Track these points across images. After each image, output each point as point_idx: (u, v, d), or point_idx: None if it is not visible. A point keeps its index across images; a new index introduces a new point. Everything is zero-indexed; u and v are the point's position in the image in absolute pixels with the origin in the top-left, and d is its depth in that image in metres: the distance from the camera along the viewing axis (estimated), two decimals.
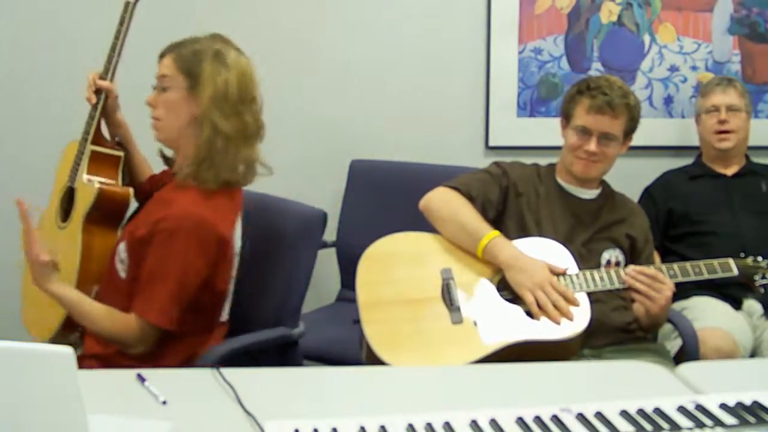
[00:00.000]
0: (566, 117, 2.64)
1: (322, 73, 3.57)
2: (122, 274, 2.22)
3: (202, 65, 2.17)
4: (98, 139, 2.41)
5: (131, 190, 2.37)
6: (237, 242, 2.28)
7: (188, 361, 2.20)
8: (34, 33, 3.44)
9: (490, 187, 2.60)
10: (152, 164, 2.51)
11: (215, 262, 2.18)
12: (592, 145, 2.54)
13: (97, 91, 2.40)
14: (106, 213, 2.31)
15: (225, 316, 2.33)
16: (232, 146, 2.18)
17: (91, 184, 2.33)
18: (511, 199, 2.62)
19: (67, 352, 1.26)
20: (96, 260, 2.29)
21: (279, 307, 2.43)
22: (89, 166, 2.36)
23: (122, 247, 2.22)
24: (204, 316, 2.25)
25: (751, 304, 3.07)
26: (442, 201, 2.57)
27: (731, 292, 3.05)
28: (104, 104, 2.40)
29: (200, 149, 2.17)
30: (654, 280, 2.41)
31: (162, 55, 2.24)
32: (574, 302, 2.31)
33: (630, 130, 2.60)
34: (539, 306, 2.29)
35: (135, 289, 2.16)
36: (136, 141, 2.50)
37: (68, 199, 2.41)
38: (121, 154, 2.41)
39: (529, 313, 2.31)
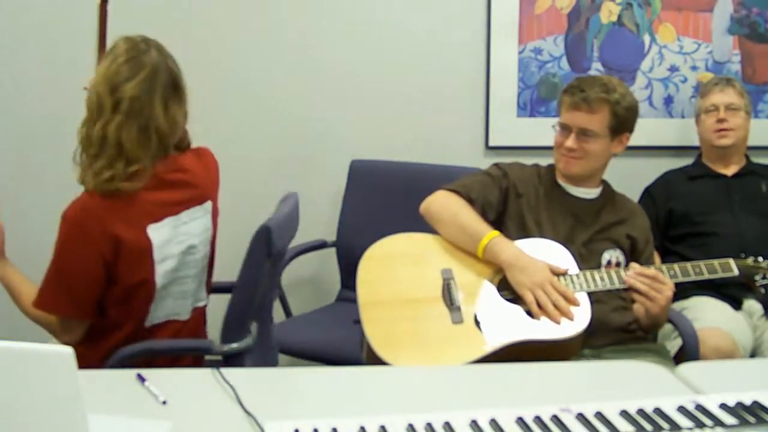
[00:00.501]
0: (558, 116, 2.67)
1: (323, 73, 3.57)
2: None
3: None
4: None
5: None
6: (157, 247, 2.22)
7: (106, 358, 2.22)
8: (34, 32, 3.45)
9: (490, 189, 2.61)
10: None
11: (108, 256, 2.16)
12: (570, 141, 2.55)
13: None
14: None
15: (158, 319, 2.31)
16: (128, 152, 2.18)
17: None
18: (511, 200, 2.62)
19: (67, 351, 1.26)
20: None
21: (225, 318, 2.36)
22: None
23: None
24: (129, 314, 2.26)
25: (752, 305, 3.07)
26: (441, 204, 2.57)
27: (731, 292, 3.05)
28: None
29: (98, 162, 2.18)
30: (654, 281, 2.41)
31: None
32: (574, 302, 2.31)
33: (617, 125, 2.56)
34: (539, 305, 2.30)
35: None
36: None
37: None
38: None
39: (530, 313, 2.31)
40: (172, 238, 2.25)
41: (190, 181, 2.32)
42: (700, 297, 3.05)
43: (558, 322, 2.27)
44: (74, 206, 2.17)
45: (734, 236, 3.11)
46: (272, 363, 2.56)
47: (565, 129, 2.58)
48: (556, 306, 2.29)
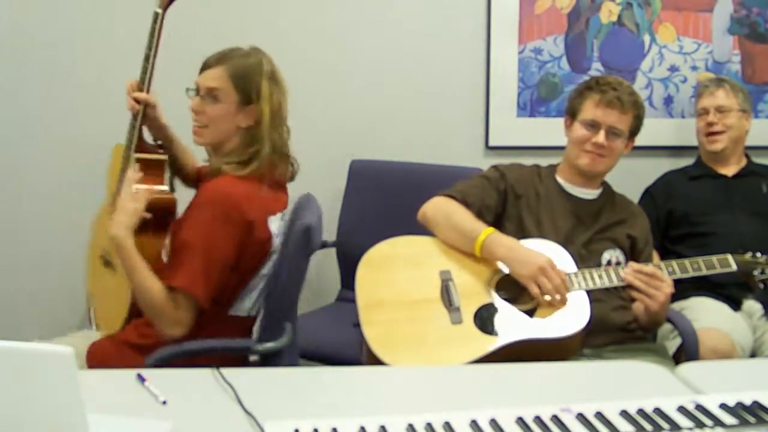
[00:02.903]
0: (572, 113, 2.66)
1: (323, 73, 3.57)
2: (164, 259, 2.33)
3: (260, 84, 2.32)
4: (141, 145, 2.45)
5: (176, 198, 2.42)
6: (274, 238, 2.33)
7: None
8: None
9: (487, 192, 2.61)
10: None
11: (241, 242, 2.23)
12: (601, 137, 2.56)
13: (137, 100, 2.43)
14: (153, 219, 2.29)
15: (243, 311, 2.37)
16: (274, 154, 2.33)
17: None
18: (509, 201, 2.62)
19: (67, 351, 1.26)
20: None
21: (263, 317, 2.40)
22: None
23: (168, 238, 2.33)
24: (217, 306, 2.29)
25: (751, 305, 3.06)
26: (436, 208, 2.59)
27: (731, 292, 3.05)
28: (144, 113, 2.43)
29: (244, 154, 2.30)
30: (653, 278, 2.41)
31: (208, 66, 2.34)
32: (567, 287, 2.35)
33: (635, 129, 2.63)
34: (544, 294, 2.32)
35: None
36: (178, 137, 2.58)
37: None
38: (164, 157, 2.45)
39: (528, 312, 2.31)
40: (279, 233, 2.35)
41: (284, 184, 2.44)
42: (699, 297, 3.05)
43: (565, 303, 2.30)
44: (216, 190, 2.24)
45: (734, 236, 3.10)
46: (296, 363, 2.55)
47: (594, 126, 2.58)
48: (559, 291, 2.32)
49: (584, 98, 2.62)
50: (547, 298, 2.31)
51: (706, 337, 2.74)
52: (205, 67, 2.35)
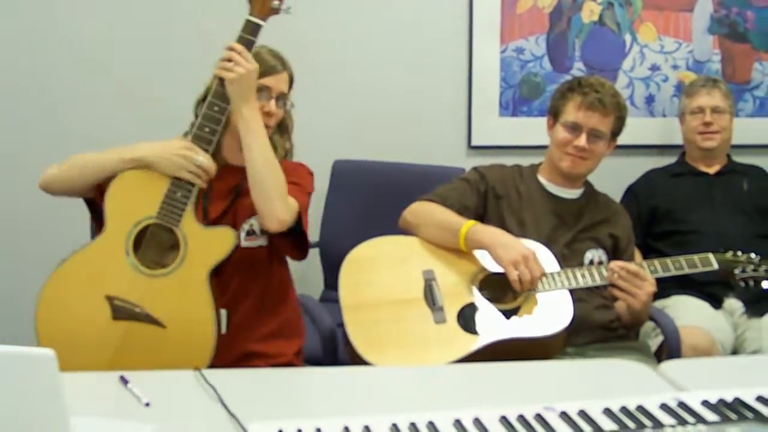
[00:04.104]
0: (554, 114, 2.66)
1: (304, 73, 3.54)
2: (260, 242, 2.34)
3: None
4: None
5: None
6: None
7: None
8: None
9: (466, 194, 2.62)
10: None
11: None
12: (582, 141, 2.56)
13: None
14: (224, 262, 2.23)
15: None
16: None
17: (224, 234, 2.22)
18: (490, 202, 2.63)
19: (49, 354, 1.25)
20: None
21: None
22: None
23: (255, 221, 2.31)
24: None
25: (732, 303, 3.08)
26: (416, 211, 2.60)
27: (712, 290, 3.07)
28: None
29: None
30: (635, 276, 2.41)
31: (276, 70, 2.37)
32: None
33: (617, 130, 2.63)
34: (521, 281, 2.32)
35: None
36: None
37: (148, 239, 2.22)
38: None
39: (512, 312, 2.31)
40: None
41: None
42: (680, 296, 3.07)
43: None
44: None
45: (716, 234, 3.12)
46: None
47: (575, 128, 2.58)
48: (534, 284, 2.33)
49: (566, 100, 2.62)
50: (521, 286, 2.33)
51: (686, 335, 2.75)
52: (274, 71, 2.36)
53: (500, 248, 2.37)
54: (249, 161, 2.23)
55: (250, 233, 2.33)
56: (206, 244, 2.20)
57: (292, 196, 2.29)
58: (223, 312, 2.22)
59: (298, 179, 2.38)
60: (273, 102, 2.34)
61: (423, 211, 2.57)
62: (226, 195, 2.32)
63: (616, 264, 2.44)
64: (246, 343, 2.31)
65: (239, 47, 2.22)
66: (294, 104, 2.45)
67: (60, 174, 2.30)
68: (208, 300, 2.17)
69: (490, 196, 2.63)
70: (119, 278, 2.17)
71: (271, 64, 2.35)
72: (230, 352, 2.25)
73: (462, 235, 2.43)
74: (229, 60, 2.21)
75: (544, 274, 2.35)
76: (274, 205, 2.22)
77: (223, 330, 2.20)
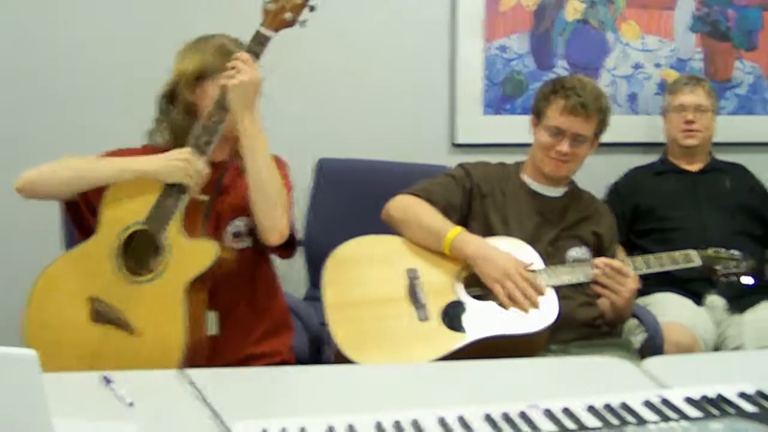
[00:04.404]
0: (538, 115, 2.66)
1: (288, 71, 3.55)
2: (247, 244, 2.33)
3: None
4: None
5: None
6: None
7: None
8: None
9: (452, 191, 2.61)
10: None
11: None
12: (565, 146, 2.56)
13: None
14: (207, 276, 2.19)
15: None
16: None
17: (206, 247, 2.18)
18: (476, 200, 2.63)
19: (30, 355, 1.24)
20: (197, 324, 2.18)
21: None
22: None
23: (241, 222, 2.31)
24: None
25: (714, 300, 3.10)
26: (402, 207, 2.58)
27: (694, 287, 3.08)
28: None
29: None
30: (618, 273, 2.42)
31: None
32: (540, 290, 2.33)
33: (600, 131, 2.64)
34: (509, 297, 2.31)
35: None
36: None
37: (137, 244, 2.22)
38: (206, 198, 2.27)
39: (496, 309, 2.32)
40: None
41: None
42: (662, 293, 3.08)
43: (526, 311, 2.28)
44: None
45: (699, 231, 3.14)
46: None
47: (558, 133, 2.57)
48: (525, 295, 2.31)
49: (548, 102, 2.61)
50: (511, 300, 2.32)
51: (669, 332, 2.76)
52: None
53: (483, 262, 2.37)
54: (253, 172, 2.22)
55: (237, 234, 2.32)
56: (188, 256, 2.17)
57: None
58: (213, 314, 2.21)
59: (282, 176, 2.35)
60: None
61: (409, 209, 2.55)
62: (206, 191, 2.29)
63: (599, 260, 2.45)
64: (244, 346, 2.32)
65: (245, 56, 2.22)
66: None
67: (48, 177, 2.25)
68: (181, 314, 2.13)
69: (476, 193, 2.63)
70: (104, 281, 2.17)
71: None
72: (230, 356, 2.24)
73: (447, 243, 2.43)
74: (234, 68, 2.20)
75: (532, 285, 2.34)
76: (276, 218, 2.22)
77: (214, 332, 2.20)
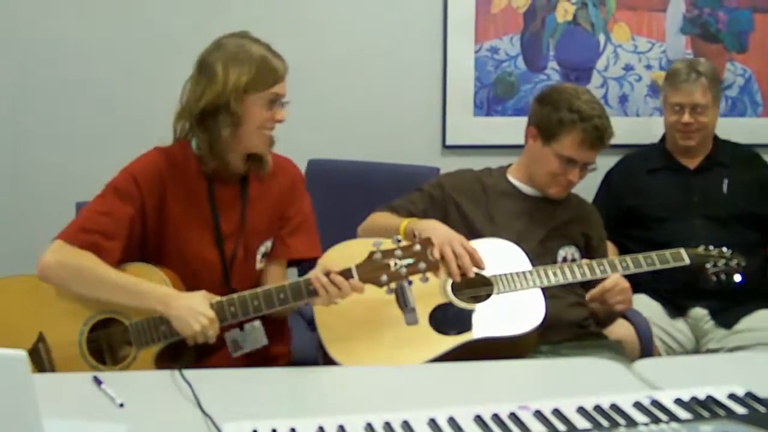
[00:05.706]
0: (545, 133, 2.60)
1: None
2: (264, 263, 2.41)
3: None
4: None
5: None
6: None
7: None
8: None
9: (415, 202, 2.66)
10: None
11: None
12: (576, 176, 2.58)
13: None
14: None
15: None
16: None
17: None
18: (449, 208, 2.64)
19: (20, 355, 1.24)
20: None
21: None
22: None
23: (269, 242, 2.41)
24: None
25: (697, 311, 3.06)
26: (368, 221, 2.66)
27: (678, 300, 3.06)
28: None
29: None
30: (609, 292, 2.44)
31: (283, 77, 2.38)
32: (479, 264, 2.35)
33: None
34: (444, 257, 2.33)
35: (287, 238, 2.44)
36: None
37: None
38: None
39: (485, 312, 2.32)
40: None
41: None
42: (637, 294, 2.91)
43: (457, 278, 2.32)
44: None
45: (689, 244, 3.01)
46: None
47: (570, 162, 2.56)
48: (461, 264, 2.33)
49: (565, 129, 2.54)
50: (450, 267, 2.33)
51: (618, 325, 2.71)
52: (283, 78, 2.37)
53: (431, 231, 2.35)
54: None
55: (265, 255, 2.41)
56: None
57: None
58: (258, 323, 2.17)
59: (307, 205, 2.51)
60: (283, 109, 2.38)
61: (369, 219, 2.66)
62: (232, 203, 2.33)
63: (589, 297, 2.48)
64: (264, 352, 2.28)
65: (359, 286, 2.13)
66: None
67: (67, 277, 2.14)
68: None
69: (449, 203, 2.65)
70: (61, 331, 2.13)
71: (281, 73, 2.33)
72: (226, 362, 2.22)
73: (402, 228, 2.47)
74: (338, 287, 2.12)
75: (471, 256, 2.35)
76: None
77: (265, 342, 2.16)
